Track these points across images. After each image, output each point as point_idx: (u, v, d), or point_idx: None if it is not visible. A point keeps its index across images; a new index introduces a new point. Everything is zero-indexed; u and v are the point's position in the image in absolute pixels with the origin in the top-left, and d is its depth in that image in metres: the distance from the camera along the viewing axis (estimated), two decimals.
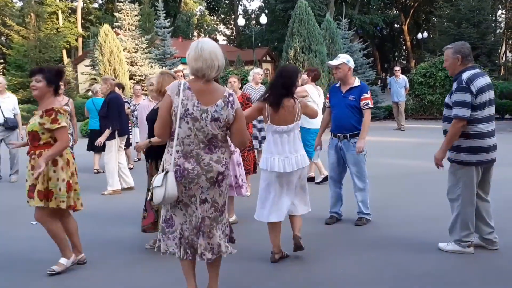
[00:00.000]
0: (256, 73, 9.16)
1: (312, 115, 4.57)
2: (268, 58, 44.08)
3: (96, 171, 9.66)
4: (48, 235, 4.27)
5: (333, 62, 5.42)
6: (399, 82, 15.08)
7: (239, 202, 6.09)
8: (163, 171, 3.24)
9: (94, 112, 9.29)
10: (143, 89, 12.28)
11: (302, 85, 7.63)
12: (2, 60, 31.17)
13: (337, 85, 5.59)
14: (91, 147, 9.42)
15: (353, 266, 4.27)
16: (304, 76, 7.79)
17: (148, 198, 3.30)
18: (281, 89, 4.26)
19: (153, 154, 4.80)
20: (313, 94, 7.54)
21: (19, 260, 4.72)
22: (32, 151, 4.13)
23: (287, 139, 4.28)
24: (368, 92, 5.41)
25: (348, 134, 5.34)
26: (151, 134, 4.88)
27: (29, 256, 4.83)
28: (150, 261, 4.56)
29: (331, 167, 5.59)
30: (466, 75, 4.20)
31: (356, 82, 5.46)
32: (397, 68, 15.69)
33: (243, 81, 14.94)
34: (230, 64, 33.18)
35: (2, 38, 35.80)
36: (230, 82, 7.00)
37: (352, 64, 5.45)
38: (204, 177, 3.17)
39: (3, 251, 5.00)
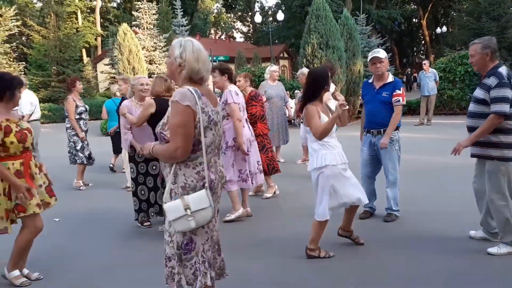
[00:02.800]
0: (273, 70, 9.31)
1: (314, 133, 4.20)
2: (285, 55, 44.00)
3: (112, 166, 9.73)
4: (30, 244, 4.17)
5: (380, 55, 5.32)
6: (429, 76, 14.92)
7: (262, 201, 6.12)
8: (190, 188, 2.81)
9: (114, 113, 9.15)
10: None
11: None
12: (24, 60, 31.64)
13: (370, 80, 5.57)
14: (115, 148, 9.26)
15: (372, 263, 4.29)
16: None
17: (189, 227, 2.78)
18: (304, 96, 4.41)
19: None
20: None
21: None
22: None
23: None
24: (401, 88, 5.35)
25: (382, 130, 5.33)
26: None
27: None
28: None
29: (364, 163, 5.58)
30: (504, 70, 4.17)
31: (390, 78, 5.42)
32: (426, 61, 15.54)
33: (260, 77, 15.02)
34: (248, 62, 33.23)
35: (23, 38, 36.32)
36: (239, 81, 6.78)
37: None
38: (220, 184, 2.98)
39: None
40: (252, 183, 5.90)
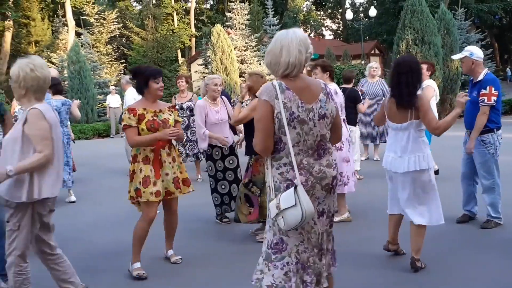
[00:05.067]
0: (370, 67, 9.38)
1: (428, 124, 3.94)
2: (377, 52, 42.98)
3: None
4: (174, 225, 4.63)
5: (455, 56, 5.24)
6: None
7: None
8: (274, 189, 2.80)
9: None
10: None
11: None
12: (124, 60, 33.59)
13: (472, 78, 5.37)
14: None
15: (471, 268, 4.13)
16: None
17: (281, 226, 2.73)
18: (405, 88, 3.94)
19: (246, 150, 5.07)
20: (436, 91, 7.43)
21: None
22: (168, 144, 4.31)
23: (401, 138, 4.04)
24: (488, 87, 4.93)
25: (470, 131, 5.13)
26: (248, 133, 5.12)
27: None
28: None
29: (463, 163, 5.42)
30: None
31: (481, 75, 5.10)
32: None
33: (362, 75, 14.81)
34: (337, 59, 32.89)
35: (123, 40, 38.51)
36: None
37: (477, 57, 5.06)
38: (319, 186, 2.80)
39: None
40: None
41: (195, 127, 8.49)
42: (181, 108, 8.48)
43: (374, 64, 9.56)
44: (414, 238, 4.09)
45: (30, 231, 3.26)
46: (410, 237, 4.13)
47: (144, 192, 4.12)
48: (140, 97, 4.36)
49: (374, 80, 9.19)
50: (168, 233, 4.65)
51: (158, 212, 4.36)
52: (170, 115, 4.32)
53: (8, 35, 33.04)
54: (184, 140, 8.44)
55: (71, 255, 4.77)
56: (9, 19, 31.48)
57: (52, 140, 3.23)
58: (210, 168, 5.85)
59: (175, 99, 8.56)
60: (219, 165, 5.81)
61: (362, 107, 7.12)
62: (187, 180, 4.45)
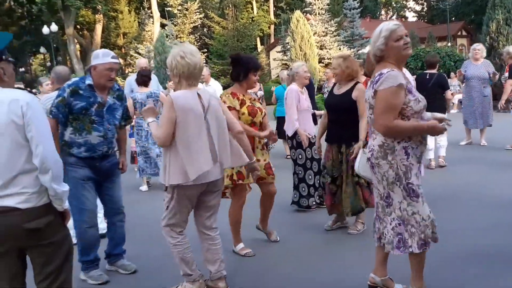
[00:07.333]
0: (473, 49, 9.10)
1: None
2: (464, 33, 40.91)
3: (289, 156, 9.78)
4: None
5: None
6: None
7: None
8: None
9: (283, 99, 9.27)
10: None
11: None
12: (206, 50, 34.42)
13: None
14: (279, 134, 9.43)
15: None
16: None
17: None
18: None
19: (335, 139, 4.93)
20: None
21: None
22: None
23: None
24: None
25: None
26: (334, 120, 4.95)
27: None
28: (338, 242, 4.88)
29: None
30: None
31: None
32: None
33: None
34: (421, 42, 31.70)
35: (205, 30, 39.37)
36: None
37: None
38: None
39: None
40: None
41: None
42: None
43: (477, 46, 9.12)
44: None
45: (179, 211, 3.52)
46: None
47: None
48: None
49: (478, 62, 8.83)
50: (264, 213, 4.80)
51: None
52: (260, 105, 4.61)
53: (98, 28, 34.99)
54: None
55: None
56: (99, 13, 33.31)
57: (177, 125, 3.33)
58: (300, 156, 5.80)
59: None
60: (308, 153, 5.79)
61: (450, 94, 6.93)
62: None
